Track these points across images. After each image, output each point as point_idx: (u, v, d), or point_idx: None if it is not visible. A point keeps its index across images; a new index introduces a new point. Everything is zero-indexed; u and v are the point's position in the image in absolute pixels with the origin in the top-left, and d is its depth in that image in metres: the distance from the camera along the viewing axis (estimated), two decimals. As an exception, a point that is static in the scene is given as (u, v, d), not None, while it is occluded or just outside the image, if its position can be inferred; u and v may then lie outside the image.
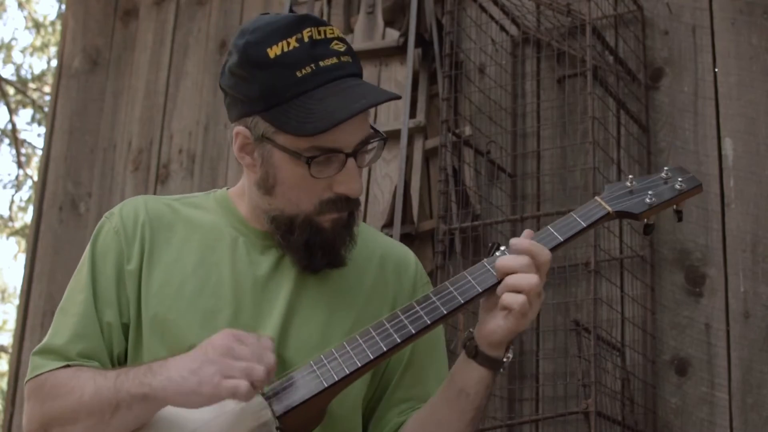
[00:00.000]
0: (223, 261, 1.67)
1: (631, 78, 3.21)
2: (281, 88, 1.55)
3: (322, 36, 1.58)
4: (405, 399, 1.72)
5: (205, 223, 1.71)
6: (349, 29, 3.67)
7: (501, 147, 3.28)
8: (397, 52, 3.49)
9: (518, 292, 1.51)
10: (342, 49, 1.59)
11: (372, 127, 1.63)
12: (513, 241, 1.55)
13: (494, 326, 1.55)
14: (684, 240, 3.00)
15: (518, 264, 1.53)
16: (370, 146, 1.63)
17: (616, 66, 3.20)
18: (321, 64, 1.56)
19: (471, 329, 1.59)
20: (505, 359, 1.59)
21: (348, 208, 1.62)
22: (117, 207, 1.73)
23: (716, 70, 3.12)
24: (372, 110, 1.70)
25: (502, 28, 3.40)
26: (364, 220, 3.29)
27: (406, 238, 3.20)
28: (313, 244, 1.62)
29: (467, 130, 3.24)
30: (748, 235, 2.94)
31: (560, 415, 2.86)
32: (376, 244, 1.78)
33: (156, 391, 1.47)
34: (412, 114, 3.38)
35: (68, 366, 1.60)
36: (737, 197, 2.98)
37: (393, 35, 3.54)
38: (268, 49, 1.56)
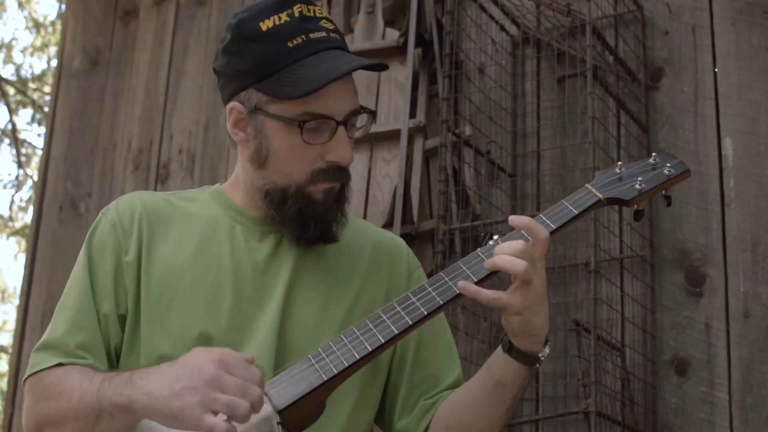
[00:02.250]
0: (222, 250, 1.68)
1: (631, 78, 3.20)
2: (273, 58, 1.61)
3: (312, 14, 1.65)
4: (423, 379, 1.74)
5: (202, 214, 1.73)
6: (349, 29, 3.67)
7: (501, 147, 3.27)
8: (397, 52, 3.49)
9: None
10: (331, 27, 1.66)
11: (361, 105, 1.67)
12: (512, 217, 1.55)
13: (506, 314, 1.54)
14: (684, 240, 3.00)
15: (512, 249, 1.52)
16: (359, 118, 1.68)
17: (616, 66, 3.20)
18: (311, 36, 1.62)
19: None
20: (540, 355, 1.57)
21: (339, 178, 1.65)
22: (113, 203, 1.75)
23: (716, 70, 3.12)
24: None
25: (502, 28, 3.40)
26: (364, 220, 3.29)
27: (406, 238, 3.20)
28: (305, 215, 1.64)
29: (467, 130, 3.24)
30: (748, 235, 2.94)
31: (560, 415, 2.86)
32: (368, 233, 1.82)
33: (134, 404, 1.47)
34: (412, 114, 3.38)
35: (62, 365, 1.60)
36: (737, 197, 2.98)
37: (393, 35, 3.54)
38: (261, 23, 1.62)
